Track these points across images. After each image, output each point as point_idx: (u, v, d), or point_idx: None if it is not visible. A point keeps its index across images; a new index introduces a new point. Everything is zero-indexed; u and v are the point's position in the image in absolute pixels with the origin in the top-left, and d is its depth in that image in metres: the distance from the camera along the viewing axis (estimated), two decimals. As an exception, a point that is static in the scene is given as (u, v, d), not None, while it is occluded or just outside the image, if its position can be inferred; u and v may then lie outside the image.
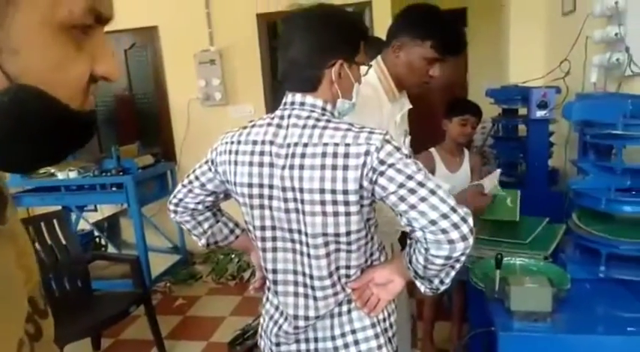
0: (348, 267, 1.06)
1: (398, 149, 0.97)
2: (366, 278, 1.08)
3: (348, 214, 0.99)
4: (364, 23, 1.09)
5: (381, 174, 0.94)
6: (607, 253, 1.34)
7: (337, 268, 1.06)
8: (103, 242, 3.81)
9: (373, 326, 1.10)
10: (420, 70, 1.38)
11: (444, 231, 0.92)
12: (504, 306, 1.24)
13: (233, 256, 3.62)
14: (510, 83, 2.88)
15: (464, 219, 0.92)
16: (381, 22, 3.49)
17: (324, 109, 1.04)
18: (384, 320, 1.13)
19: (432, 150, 2.24)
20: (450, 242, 0.92)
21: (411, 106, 1.51)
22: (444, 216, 0.91)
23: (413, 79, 1.40)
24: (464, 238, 0.92)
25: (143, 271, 2.68)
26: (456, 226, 0.91)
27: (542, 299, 1.20)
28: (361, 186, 0.96)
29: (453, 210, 0.92)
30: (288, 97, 1.07)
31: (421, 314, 2.52)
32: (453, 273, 1.02)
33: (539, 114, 2.20)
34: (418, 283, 1.06)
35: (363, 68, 1.12)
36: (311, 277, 1.05)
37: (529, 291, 1.21)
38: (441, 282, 1.03)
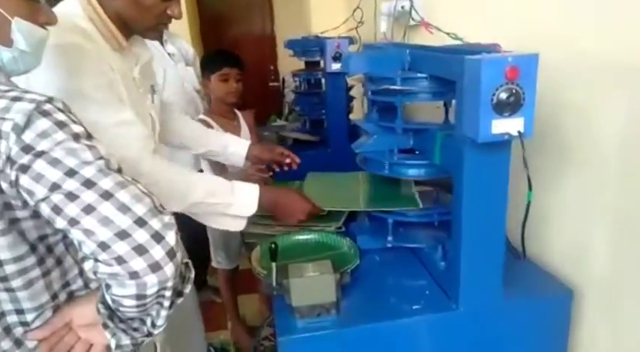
0: (19, 312, 0.70)
1: (63, 125, 0.61)
2: (59, 321, 0.73)
3: None
4: None
5: (24, 169, 0.59)
6: (394, 221, 1.22)
7: (0, 315, 0.70)
8: None
9: None
10: (154, 7, 1.03)
11: (119, 260, 0.60)
12: (286, 303, 1.04)
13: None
14: (312, 34, 2.71)
15: (157, 236, 0.61)
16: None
17: None
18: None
19: (203, 117, 1.93)
20: (134, 275, 0.60)
21: (151, 55, 1.17)
22: (122, 235, 0.59)
23: (146, 19, 1.04)
24: (155, 267, 0.61)
25: None
26: (140, 250, 0.60)
27: (325, 288, 1.01)
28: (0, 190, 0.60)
29: (141, 222, 0.60)
30: None
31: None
32: (164, 312, 0.71)
33: (335, 66, 2.04)
34: (109, 334, 0.71)
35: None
36: None
37: (310, 282, 1.01)
38: (153, 325, 0.73)
